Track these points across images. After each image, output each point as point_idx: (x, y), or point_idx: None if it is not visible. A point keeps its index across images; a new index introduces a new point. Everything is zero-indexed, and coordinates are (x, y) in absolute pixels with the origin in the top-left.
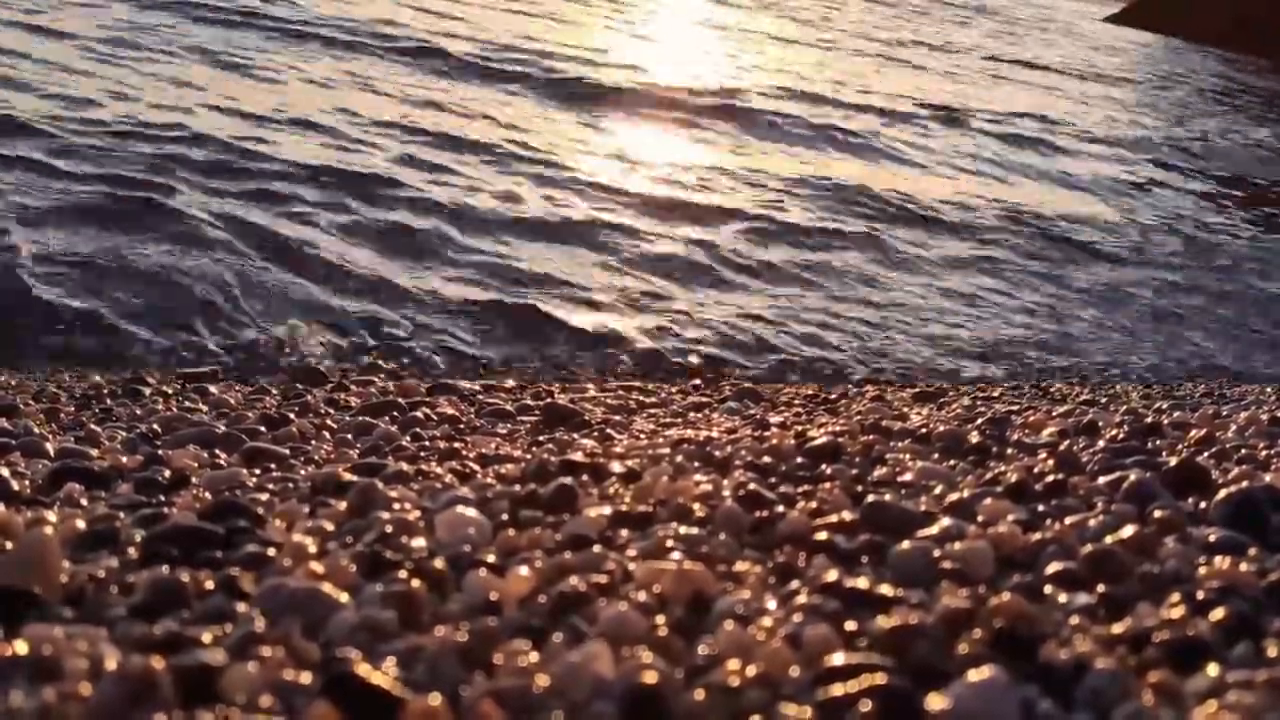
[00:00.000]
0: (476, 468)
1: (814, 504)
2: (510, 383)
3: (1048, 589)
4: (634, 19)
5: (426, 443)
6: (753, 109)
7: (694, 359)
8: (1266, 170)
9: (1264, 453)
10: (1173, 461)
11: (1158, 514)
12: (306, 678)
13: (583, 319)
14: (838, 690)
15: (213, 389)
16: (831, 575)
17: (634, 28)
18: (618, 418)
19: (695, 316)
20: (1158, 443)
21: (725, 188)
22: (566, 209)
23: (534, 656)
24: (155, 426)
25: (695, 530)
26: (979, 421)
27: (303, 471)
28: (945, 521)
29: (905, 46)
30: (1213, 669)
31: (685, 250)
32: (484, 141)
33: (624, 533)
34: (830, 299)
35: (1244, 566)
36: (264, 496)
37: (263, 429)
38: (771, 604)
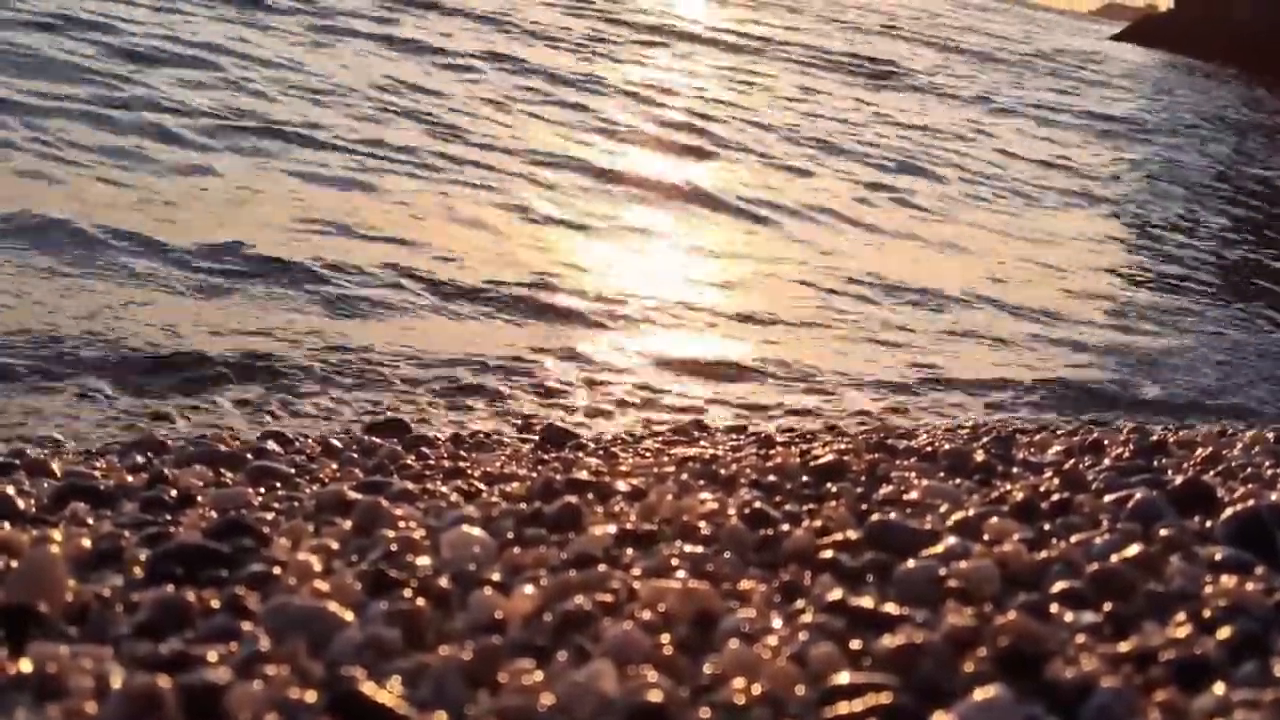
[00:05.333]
0: (482, 486)
1: (819, 522)
2: None
3: (1053, 607)
4: None
5: (431, 461)
6: None
7: None
8: None
9: (1270, 471)
10: (1178, 480)
11: (1163, 532)
12: (311, 696)
13: None
14: (843, 709)
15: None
16: (837, 594)
17: None
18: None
19: None
20: (1163, 461)
21: None
22: None
23: (539, 675)
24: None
25: (700, 548)
26: (984, 440)
27: (308, 490)
28: (950, 540)
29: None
30: (1219, 688)
31: None
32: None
33: (629, 551)
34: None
35: (1250, 585)
36: (269, 515)
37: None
38: (777, 622)
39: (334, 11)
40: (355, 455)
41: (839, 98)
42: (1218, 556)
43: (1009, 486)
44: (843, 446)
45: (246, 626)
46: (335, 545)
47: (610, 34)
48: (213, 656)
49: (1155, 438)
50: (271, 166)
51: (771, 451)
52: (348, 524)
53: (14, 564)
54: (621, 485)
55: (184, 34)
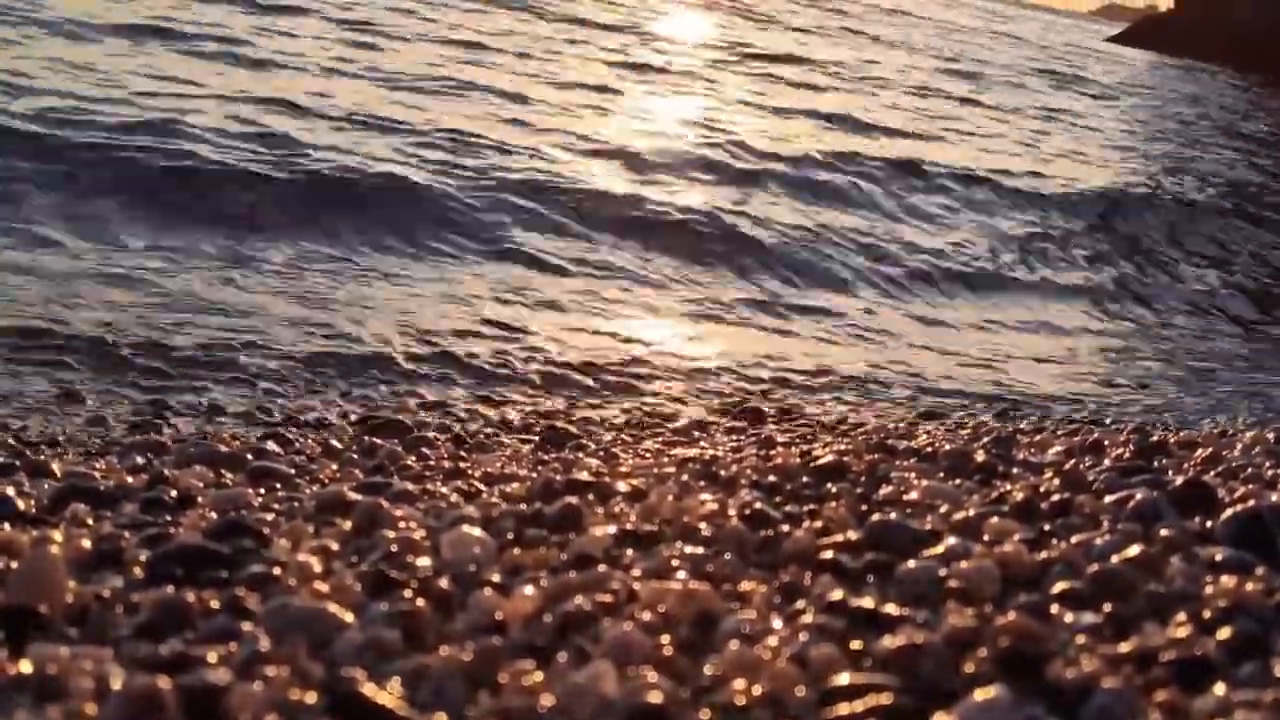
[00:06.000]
0: (482, 487)
1: (819, 523)
2: None
3: (1054, 608)
4: None
5: (431, 462)
6: None
7: None
8: None
9: (1270, 471)
10: (1179, 480)
11: (1164, 533)
12: (312, 697)
13: None
14: (844, 710)
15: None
16: (837, 594)
17: None
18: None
19: None
20: (1164, 462)
21: None
22: None
23: (539, 676)
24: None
25: (701, 549)
26: (985, 440)
27: (308, 491)
28: (951, 540)
29: None
30: (1220, 688)
31: None
32: None
33: (629, 552)
34: None
35: (1251, 585)
36: (269, 516)
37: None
38: (777, 623)
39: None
40: (355, 456)
41: None
42: (1218, 557)
43: (1009, 487)
44: (843, 447)
45: (247, 627)
46: (335, 546)
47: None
48: (213, 657)
49: (1155, 438)
50: None
51: (772, 452)
52: (348, 525)
53: (14, 565)
54: (622, 486)
55: None
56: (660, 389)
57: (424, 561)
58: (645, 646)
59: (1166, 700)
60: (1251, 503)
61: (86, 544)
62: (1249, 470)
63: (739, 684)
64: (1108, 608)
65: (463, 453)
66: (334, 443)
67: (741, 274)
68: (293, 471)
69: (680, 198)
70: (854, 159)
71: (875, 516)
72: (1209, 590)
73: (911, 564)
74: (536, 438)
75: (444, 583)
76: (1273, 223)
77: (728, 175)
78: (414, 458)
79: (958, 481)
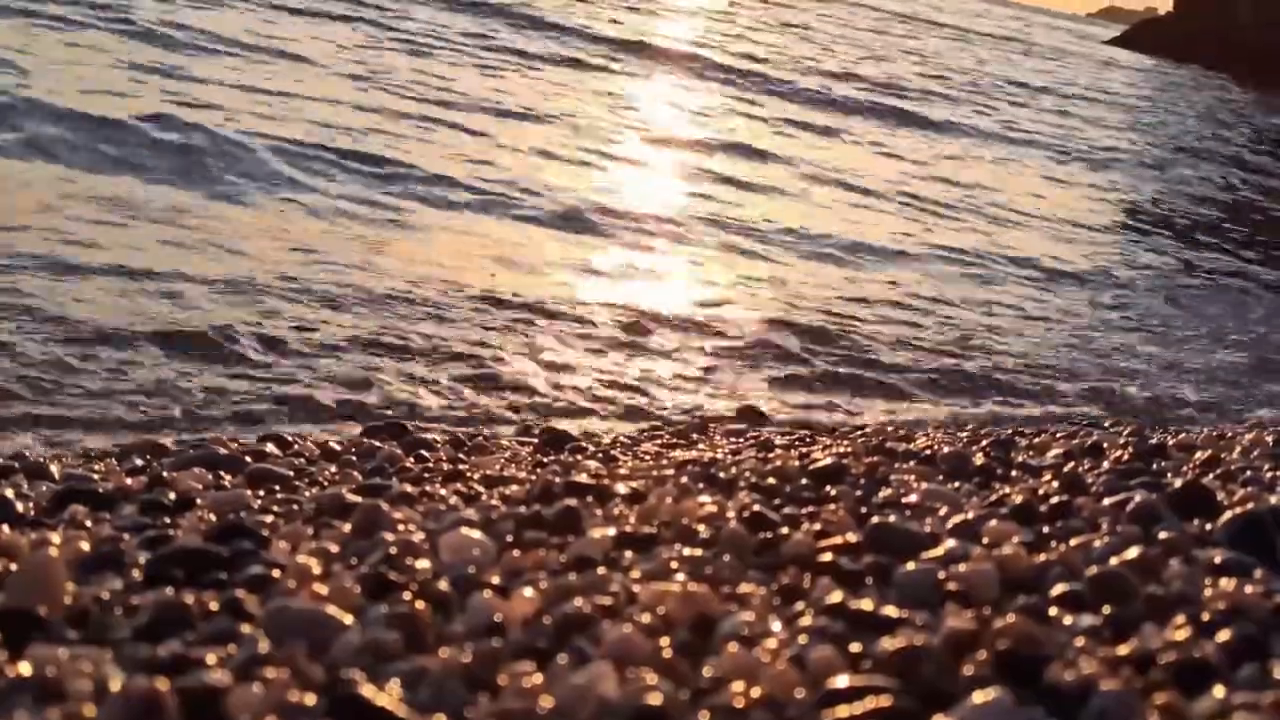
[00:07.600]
0: (481, 489)
1: (819, 525)
2: None
3: (1053, 610)
4: None
5: (430, 464)
6: None
7: None
8: None
9: (1269, 474)
10: (1178, 483)
11: (1163, 535)
12: (311, 699)
13: None
14: (843, 712)
15: None
16: (836, 597)
17: None
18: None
19: None
20: (1163, 464)
21: None
22: None
23: (538, 678)
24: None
25: (700, 552)
26: (984, 443)
27: (307, 493)
28: (950, 543)
29: None
30: (1219, 691)
31: None
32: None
33: (628, 554)
34: None
35: (1250, 588)
36: (268, 518)
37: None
38: (776, 626)
39: None
40: (354, 458)
41: None
42: (1217, 559)
43: (1008, 489)
44: (842, 449)
45: (246, 629)
46: (334, 548)
47: None
48: (212, 659)
49: (1154, 441)
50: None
51: (771, 454)
52: (347, 527)
53: (13, 567)
54: (621, 488)
55: None
56: None
57: (423, 564)
58: (644, 648)
59: (1165, 703)
60: (1250, 505)
61: (85, 546)
62: (1248, 473)
63: (738, 686)
64: (1107, 610)
65: (462, 455)
66: (333, 445)
67: None
68: (292, 474)
69: None
70: None
71: (874, 519)
72: (1208, 593)
73: (911, 566)
74: (536, 440)
75: (443, 585)
76: None
77: None
78: (413, 460)
79: (957, 484)
